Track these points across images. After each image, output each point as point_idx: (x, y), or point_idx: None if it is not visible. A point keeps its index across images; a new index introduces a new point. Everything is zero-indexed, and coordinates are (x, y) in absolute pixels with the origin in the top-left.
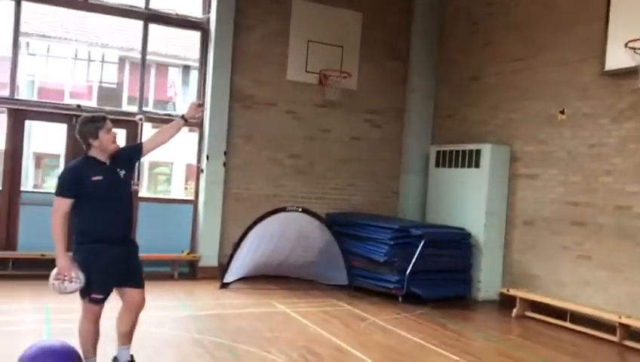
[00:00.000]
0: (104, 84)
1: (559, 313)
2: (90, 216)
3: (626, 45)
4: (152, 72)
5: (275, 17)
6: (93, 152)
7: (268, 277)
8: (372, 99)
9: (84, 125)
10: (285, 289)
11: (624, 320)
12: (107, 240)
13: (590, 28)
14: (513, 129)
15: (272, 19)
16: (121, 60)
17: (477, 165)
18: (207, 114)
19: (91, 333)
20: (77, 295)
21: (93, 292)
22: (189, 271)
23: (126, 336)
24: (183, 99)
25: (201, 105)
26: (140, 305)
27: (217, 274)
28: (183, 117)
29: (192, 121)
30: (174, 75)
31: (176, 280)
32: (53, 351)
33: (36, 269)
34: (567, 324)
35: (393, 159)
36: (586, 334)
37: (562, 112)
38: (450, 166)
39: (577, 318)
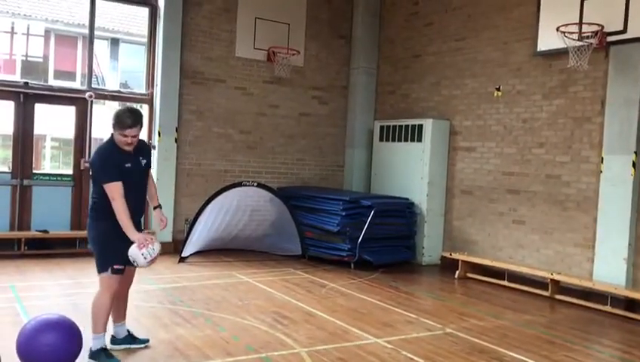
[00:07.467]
0: (29, 58)
1: (497, 273)
2: None
3: (557, 29)
4: (79, 44)
5: None
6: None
7: (221, 251)
8: (318, 76)
9: (114, 114)
10: (242, 260)
11: (555, 277)
12: None
13: (525, 11)
14: (453, 105)
15: None
16: (47, 33)
17: (419, 139)
18: (157, 90)
19: (107, 308)
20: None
21: (115, 263)
22: None
23: (123, 313)
24: (110, 72)
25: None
26: (132, 281)
27: (171, 249)
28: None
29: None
30: (102, 48)
31: None
32: (54, 323)
33: None
34: (505, 283)
35: (339, 134)
36: (522, 291)
37: (498, 89)
38: (393, 140)
39: (514, 277)
